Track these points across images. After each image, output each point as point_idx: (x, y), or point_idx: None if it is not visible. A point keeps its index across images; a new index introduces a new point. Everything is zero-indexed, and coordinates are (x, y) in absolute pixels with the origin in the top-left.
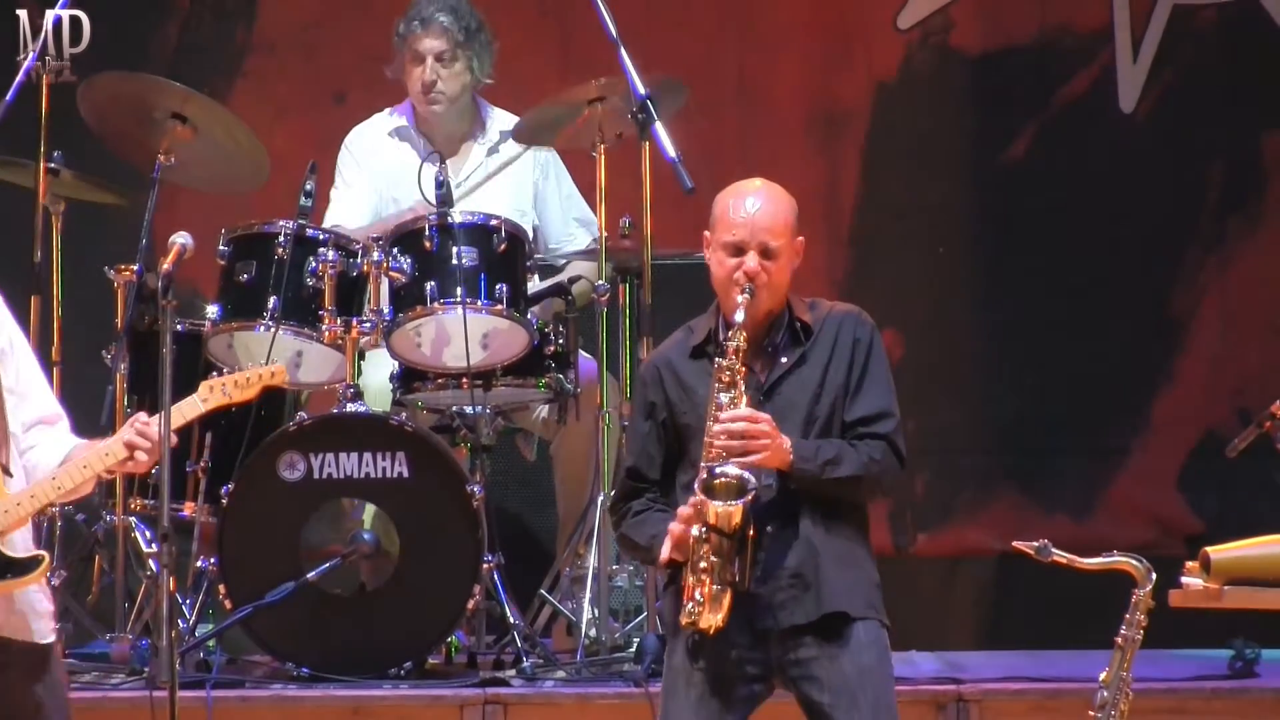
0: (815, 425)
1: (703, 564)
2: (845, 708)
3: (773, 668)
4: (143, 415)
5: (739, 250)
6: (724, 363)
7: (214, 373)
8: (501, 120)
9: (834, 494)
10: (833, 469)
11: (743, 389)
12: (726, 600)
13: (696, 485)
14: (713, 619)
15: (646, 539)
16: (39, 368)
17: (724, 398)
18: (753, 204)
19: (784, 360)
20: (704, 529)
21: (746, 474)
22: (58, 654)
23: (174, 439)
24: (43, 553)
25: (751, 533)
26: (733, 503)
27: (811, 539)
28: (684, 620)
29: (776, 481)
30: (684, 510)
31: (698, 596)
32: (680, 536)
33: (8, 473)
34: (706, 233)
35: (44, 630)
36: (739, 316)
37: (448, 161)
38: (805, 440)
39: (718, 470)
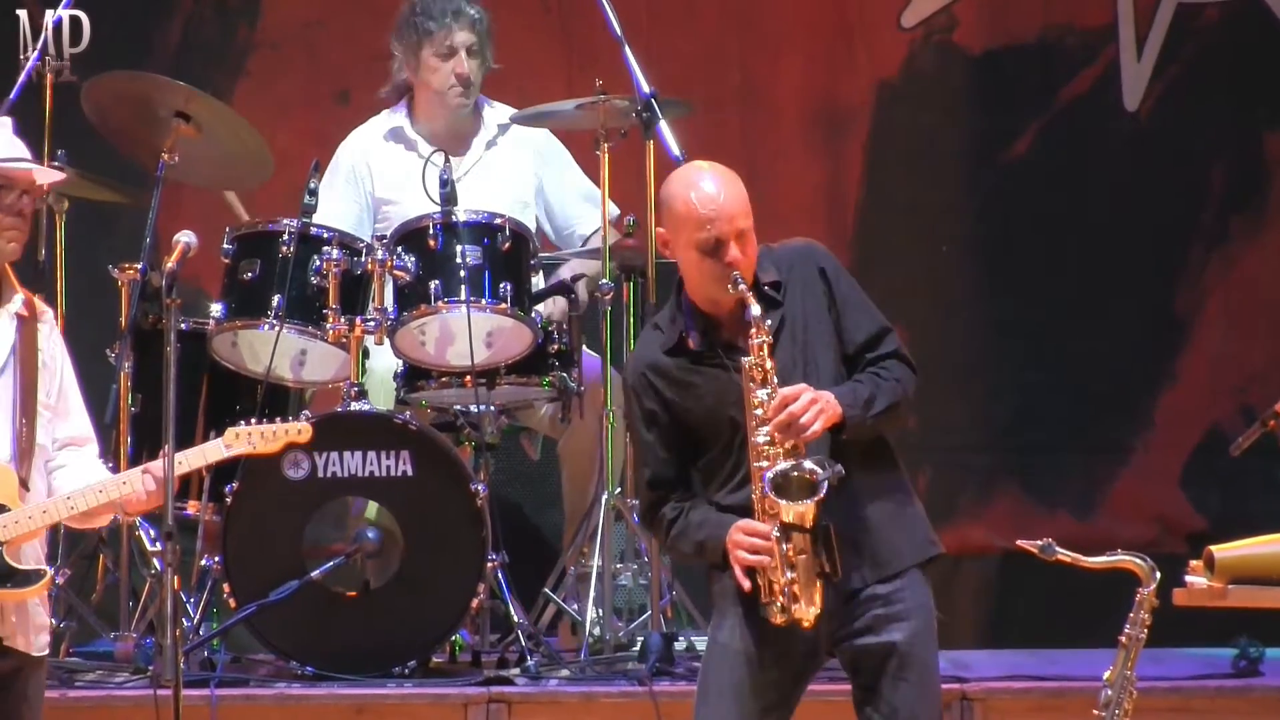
0: (816, 376)
1: (790, 563)
2: (891, 680)
3: (821, 643)
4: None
5: (718, 244)
6: (753, 359)
7: (242, 420)
8: (498, 112)
9: (877, 433)
10: (873, 405)
11: (776, 384)
12: (818, 590)
13: (766, 488)
14: (807, 612)
15: (694, 547)
16: (78, 390)
17: (760, 395)
18: (716, 192)
19: (769, 325)
20: (780, 529)
21: (817, 468)
22: (44, 669)
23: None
24: (46, 568)
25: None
26: (805, 501)
27: (858, 497)
28: (778, 619)
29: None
30: (739, 536)
31: (786, 592)
32: (747, 563)
33: (25, 486)
34: (661, 229)
35: (40, 644)
36: (755, 310)
37: (450, 159)
38: (838, 388)
39: (784, 471)
